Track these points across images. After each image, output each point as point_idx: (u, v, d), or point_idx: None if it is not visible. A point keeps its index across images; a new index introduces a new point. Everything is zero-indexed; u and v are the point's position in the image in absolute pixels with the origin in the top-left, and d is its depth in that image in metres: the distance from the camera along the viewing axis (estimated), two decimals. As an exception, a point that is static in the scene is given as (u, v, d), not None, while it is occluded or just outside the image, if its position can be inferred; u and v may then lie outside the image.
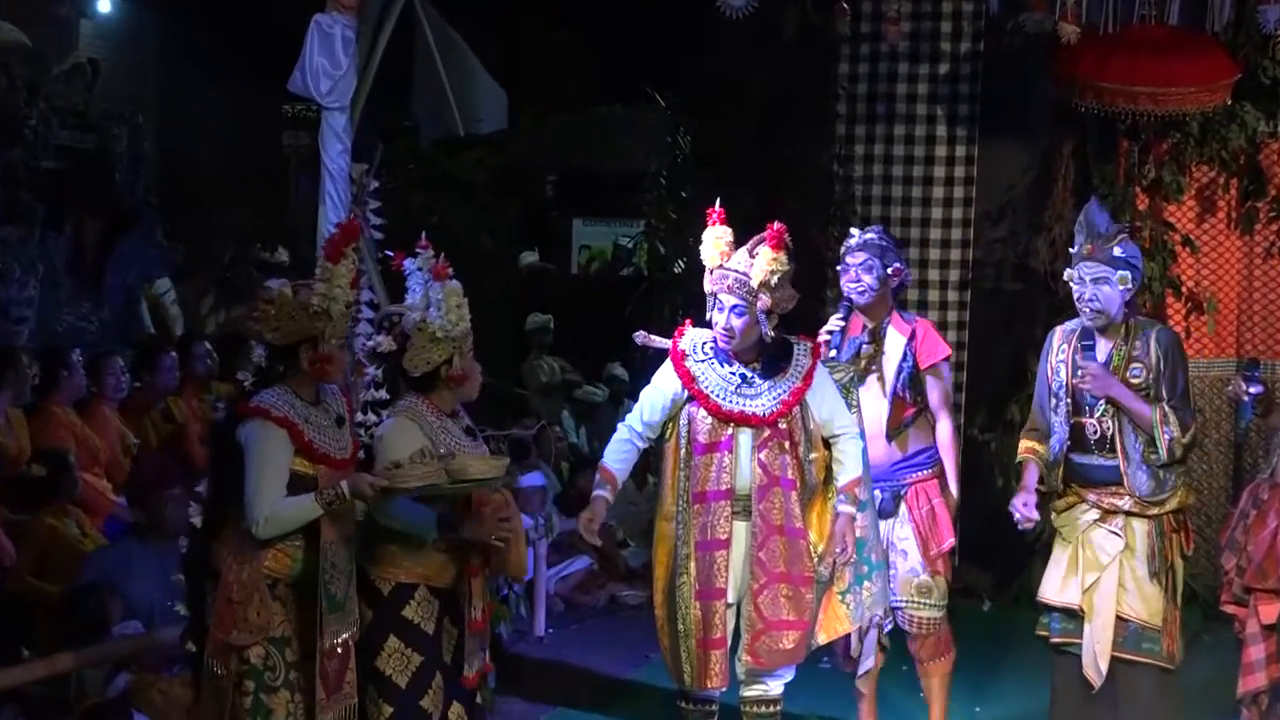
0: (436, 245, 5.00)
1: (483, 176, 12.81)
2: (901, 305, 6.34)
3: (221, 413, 4.82)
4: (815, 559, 5.42)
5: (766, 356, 5.42)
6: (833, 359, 5.79)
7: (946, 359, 6.08)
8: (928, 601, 5.95)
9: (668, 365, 5.50)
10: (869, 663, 6.03)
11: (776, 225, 5.29)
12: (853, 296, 5.95)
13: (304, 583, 4.69)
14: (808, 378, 5.42)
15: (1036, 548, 7.63)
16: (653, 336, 5.58)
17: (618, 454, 5.54)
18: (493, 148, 12.27)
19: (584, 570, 8.88)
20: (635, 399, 11.48)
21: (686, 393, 5.43)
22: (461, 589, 4.92)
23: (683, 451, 5.43)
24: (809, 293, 6.00)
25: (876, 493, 5.85)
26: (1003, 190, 9.08)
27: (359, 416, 5.17)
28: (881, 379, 5.94)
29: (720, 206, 5.39)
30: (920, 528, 5.94)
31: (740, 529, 5.39)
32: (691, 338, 5.51)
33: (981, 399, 8.95)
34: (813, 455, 5.43)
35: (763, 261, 5.28)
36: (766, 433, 5.37)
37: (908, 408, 5.97)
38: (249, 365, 4.83)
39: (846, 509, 5.44)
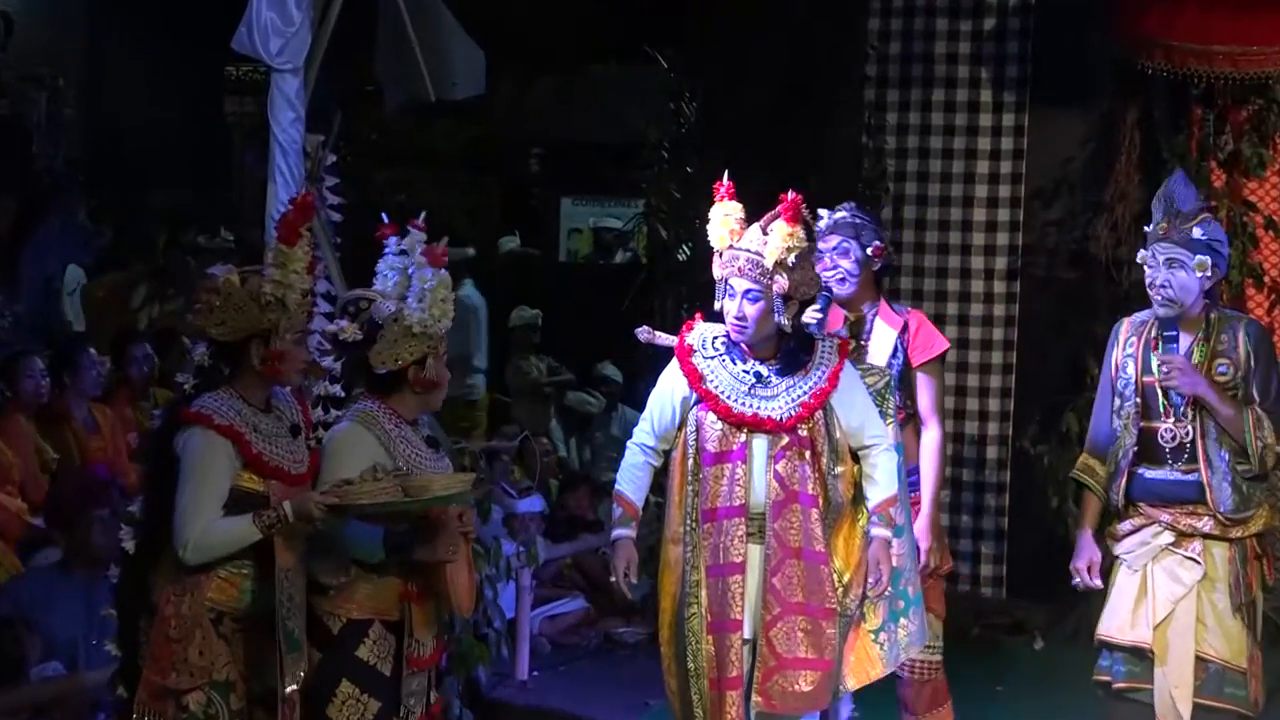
0: (402, 228, 4.98)
1: (457, 149, 12.81)
2: (895, 295, 6.33)
3: (158, 421, 4.81)
4: (840, 589, 5.43)
5: (785, 351, 5.42)
6: (868, 365, 5.78)
7: (943, 356, 6.13)
8: (930, 644, 5.98)
9: (673, 364, 5.49)
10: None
11: (791, 196, 5.29)
12: (832, 286, 5.95)
13: (252, 617, 4.68)
14: (833, 378, 5.40)
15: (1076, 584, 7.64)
16: (658, 333, 5.58)
17: (633, 479, 5.53)
18: (468, 116, 12.26)
19: (578, 612, 8.87)
20: (629, 403, 11.55)
21: (694, 394, 5.43)
22: (405, 619, 4.89)
23: (690, 462, 5.42)
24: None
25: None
26: (1057, 165, 9.08)
27: (315, 411, 5.14)
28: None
29: (729, 181, 5.39)
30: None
31: (755, 553, 5.38)
32: (701, 332, 5.50)
33: (1033, 407, 8.96)
34: (839, 469, 5.41)
35: (777, 238, 5.27)
36: (784, 440, 5.35)
37: (897, 412, 5.95)
38: (187, 366, 4.81)
39: (881, 532, 5.42)
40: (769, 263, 5.28)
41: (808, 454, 5.37)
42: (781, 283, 5.28)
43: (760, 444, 5.36)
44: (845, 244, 5.96)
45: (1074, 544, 5.68)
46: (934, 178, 9.13)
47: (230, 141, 11.93)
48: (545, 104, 13.20)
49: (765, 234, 5.31)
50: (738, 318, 5.36)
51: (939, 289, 9.12)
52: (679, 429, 5.47)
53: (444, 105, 9.07)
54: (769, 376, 5.39)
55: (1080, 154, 9.04)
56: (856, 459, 5.48)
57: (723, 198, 5.38)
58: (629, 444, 5.56)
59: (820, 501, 5.37)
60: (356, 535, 4.76)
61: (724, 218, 5.37)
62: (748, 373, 5.40)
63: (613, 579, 5.55)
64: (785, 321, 5.33)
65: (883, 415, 5.56)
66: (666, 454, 5.52)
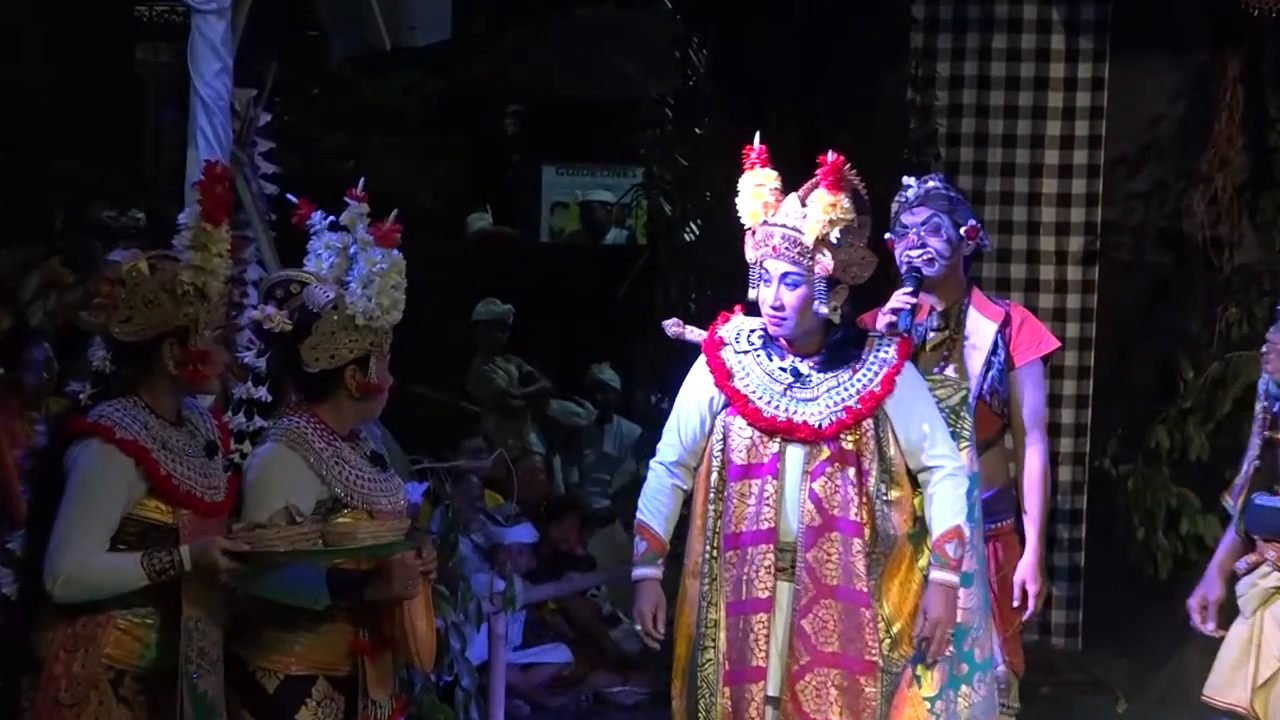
0: (327, 203, 4.95)
1: (417, 108, 12.79)
2: (977, 282, 6.37)
3: (44, 436, 4.77)
4: (886, 640, 5.37)
5: (830, 344, 5.41)
6: (941, 376, 5.76)
7: (1049, 356, 6.18)
8: (1004, 703, 5.97)
9: (700, 360, 5.49)
10: None
11: (832, 157, 5.25)
12: (919, 267, 5.98)
13: (159, 675, 4.65)
14: (888, 381, 5.37)
15: (1190, 628, 7.61)
16: (689, 327, 5.56)
17: (658, 506, 5.50)
18: (431, 67, 12.25)
19: (558, 667, 8.84)
20: (626, 414, 11.45)
21: (723, 395, 5.41)
22: (357, 676, 4.85)
23: (714, 477, 5.41)
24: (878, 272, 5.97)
25: None
26: (1144, 126, 9.07)
27: (230, 420, 5.09)
28: (961, 376, 5.95)
29: (762, 144, 5.35)
30: (999, 598, 5.99)
31: (786, 590, 5.36)
32: (737, 325, 5.50)
33: (1114, 417, 8.94)
34: (892, 493, 5.37)
35: (818, 210, 5.25)
36: (824, 452, 5.33)
37: (995, 420, 6.02)
38: (86, 372, 4.77)
39: (943, 576, 5.35)
40: (809, 240, 5.26)
41: (851, 472, 5.34)
42: (825, 264, 5.26)
43: (795, 456, 5.35)
44: (936, 219, 5.98)
45: (1166, 584, 5.69)
46: (994, 140, 9.10)
47: (142, 98, 11.89)
48: (524, 53, 13.17)
49: (804, 206, 5.29)
50: (774, 307, 5.34)
51: (1000, 275, 9.10)
52: (709, 439, 5.46)
53: (401, 54, 9.04)
54: (809, 375, 5.37)
55: (1172, 113, 9.02)
56: (919, 484, 5.44)
57: (753, 165, 5.36)
58: (651, 464, 5.55)
59: (865, 531, 5.34)
60: (294, 581, 4.72)
61: (755, 189, 5.35)
62: (784, 370, 5.39)
63: (637, 627, 5.52)
64: (827, 310, 5.31)
65: (955, 437, 5.52)
66: (696, 470, 5.51)
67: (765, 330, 5.41)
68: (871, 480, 5.34)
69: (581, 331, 11.81)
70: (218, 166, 4.86)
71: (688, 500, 5.54)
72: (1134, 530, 8.57)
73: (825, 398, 5.36)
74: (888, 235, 6.07)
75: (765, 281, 5.35)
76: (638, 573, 5.50)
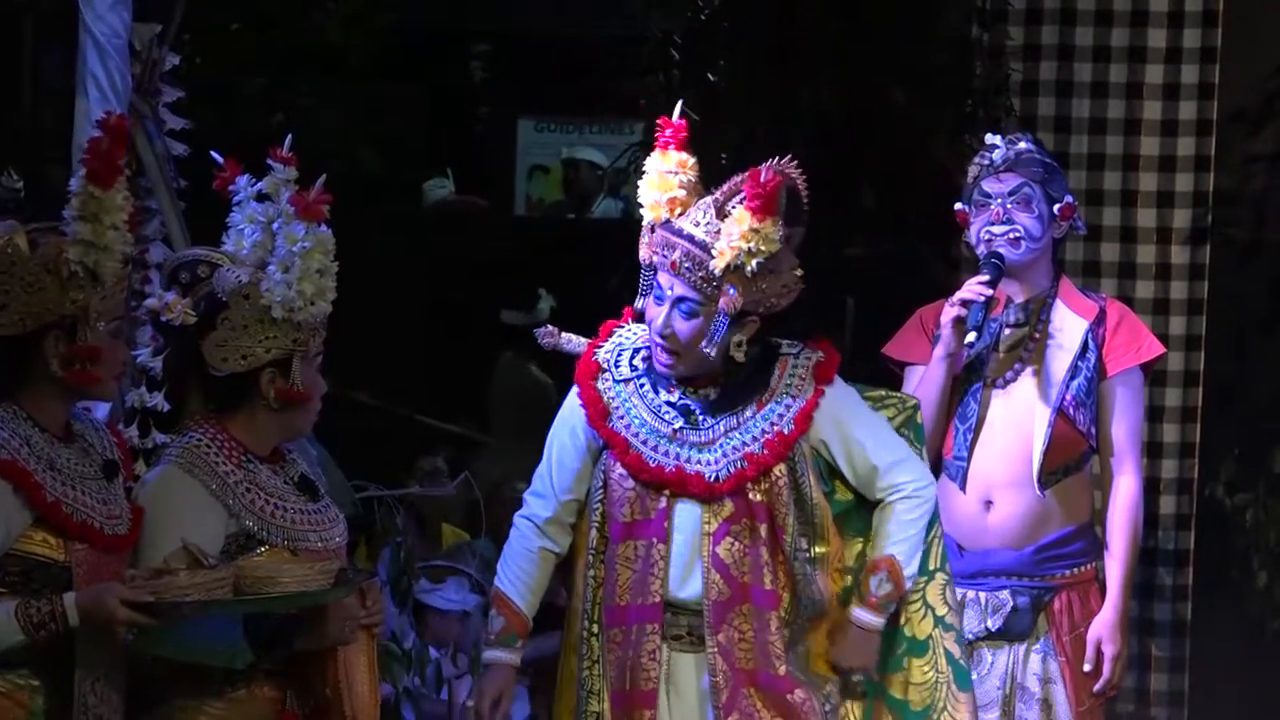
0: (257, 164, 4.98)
1: (360, 47, 12.80)
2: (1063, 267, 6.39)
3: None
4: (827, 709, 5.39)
5: (730, 380, 5.40)
6: (880, 393, 5.72)
7: (1151, 365, 6.24)
8: None
9: (573, 392, 5.52)
10: None
11: (768, 173, 5.19)
12: (1001, 249, 6.00)
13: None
14: (803, 418, 5.37)
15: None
16: (566, 335, 5.58)
17: (520, 572, 5.54)
18: (378, -2, 12.27)
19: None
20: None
21: (600, 437, 5.43)
22: None
23: (594, 535, 5.44)
24: (935, 253, 6.01)
25: (1005, 594, 5.94)
26: (1267, 72, 9.07)
27: (126, 433, 5.13)
28: (1039, 382, 6.03)
29: (681, 118, 5.35)
30: (1073, 662, 6.06)
31: (686, 666, 5.39)
32: (619, 343, 5.53)
33: (1229, 434, 8.94)
34: (817, 548, 5.41)
35: (735, 232, 5.20)
36: (726, 509, 5.37)
37: (1078, 440, 6.07)
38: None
39: (860, 615, 5.36)
40: (716, 266, 5.23)
41: (764, 529, 5.37)
42: (732, 297, 5.24)
43: (688, 514, 5.38)
44: (1028, 190, 6.05)
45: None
46: (1080, 89, 9.09)
47: (19, 35, 11.92)
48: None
49: (721, 218, 5.27)
50: (661, 335, 5.34)
51: (1088, 257, 9.09)
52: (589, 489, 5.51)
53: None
54: (702, 414, 5.39)
55: (1303, 55, 9.05)
56: (849, 535, 5.47)
57: (667, 145, 5.35)
58: (516, 518, 5.57)
59: (782, 599, 5.38)
60: (206, 635, 4.74)
61: (663, 177, 5.33)
62: (673, 405, 5.41)
63: (473, 714, 5.57)
64: (715, 352, 5.27)
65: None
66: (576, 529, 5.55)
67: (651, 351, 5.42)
68: (788, 537, 5.37)
69: (564, 325, 11.80)
70: (113, 117, 4.88)
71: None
72: (1253, 575, 8.59)
73: (724, 442, 5.39)
74: (959, 205, 6.10)
75: (658, 299, 5.35)
76: (487, 655, 5.55)
